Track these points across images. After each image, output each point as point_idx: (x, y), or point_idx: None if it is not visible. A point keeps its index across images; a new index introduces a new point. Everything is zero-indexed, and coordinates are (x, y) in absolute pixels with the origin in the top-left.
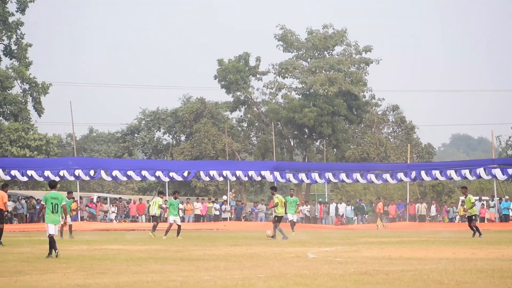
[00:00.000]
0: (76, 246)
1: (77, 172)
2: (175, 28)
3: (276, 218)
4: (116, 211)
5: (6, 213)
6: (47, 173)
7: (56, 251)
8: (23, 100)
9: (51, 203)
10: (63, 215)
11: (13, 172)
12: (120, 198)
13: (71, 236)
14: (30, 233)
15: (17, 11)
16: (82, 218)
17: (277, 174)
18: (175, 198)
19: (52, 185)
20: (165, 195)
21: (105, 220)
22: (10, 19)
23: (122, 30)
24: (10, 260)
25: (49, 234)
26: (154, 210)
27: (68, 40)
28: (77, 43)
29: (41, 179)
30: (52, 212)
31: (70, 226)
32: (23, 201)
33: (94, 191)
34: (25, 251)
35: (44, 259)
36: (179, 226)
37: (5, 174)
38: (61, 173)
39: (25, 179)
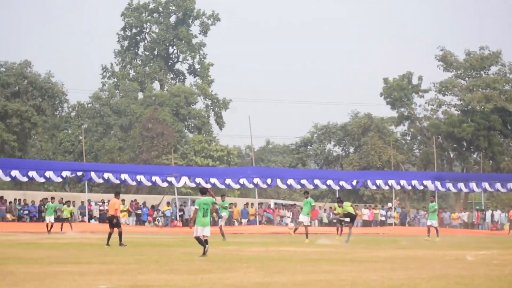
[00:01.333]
0: (255, 248)
1: (255, 180)
2: (342, 51)
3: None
4: (291, 216)
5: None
6: (228, 181)
7: (206, 247)
8: (206, 115)
9: (203, 208)
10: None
11: (198, 180)
12: (294, 204)
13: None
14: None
15: (199, 33)
16: (259, 222)
17: (438, 183)
18: None
19: (203, 191)
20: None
21: (281, 224)
22: (194, 41)
23: (293, 53)
24: (196, 260)
25: (195, 236)
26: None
27: (246, 60)
28: (254, 62)
29: (222, 186)
30: (203, 216)
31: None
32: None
33: (270, 197)
34: (209, 251)
35: (227, 259)
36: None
37: (190, 182)
38: (241, 181)
39: (208, 186)
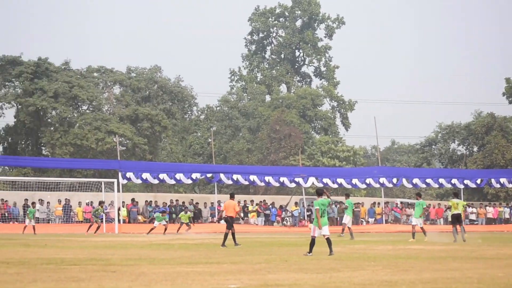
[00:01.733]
0: (382, 246)
1: (381, 180)
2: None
3: None
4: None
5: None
6: (354, 181)
7: (331, 252)
8: (332, 116)
9: (321, 208)
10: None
11: (325, 180)
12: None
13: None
14: (337, 234)
15: (325, 37)
16: (386, 221)
17: None
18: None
19: (320, 192)
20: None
21: (407, 222)
22: (319, 44)
23: (415, 54)
24: (324, 259)
25: (313, 235)
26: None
27: (370, 62)
28: (378, 64)
29: (349, 186)
30: (321, 216)
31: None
32: (333, 206)
33: (396, 197)
34: (337, 250)
35: (354, 258)
36: None
37: (318, 182)
38: (367, 181)
39: (335, 186)
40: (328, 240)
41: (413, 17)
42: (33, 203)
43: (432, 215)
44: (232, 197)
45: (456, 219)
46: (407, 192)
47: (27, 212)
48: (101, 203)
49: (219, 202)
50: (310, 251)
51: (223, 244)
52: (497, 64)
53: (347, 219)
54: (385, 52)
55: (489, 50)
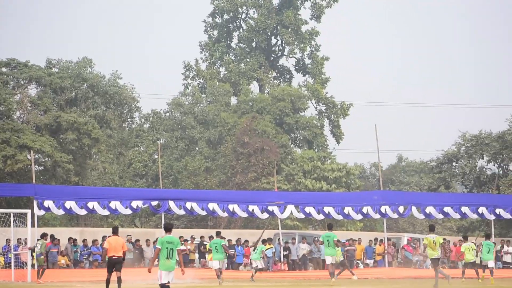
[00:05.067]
0: None
1: (383, 208)
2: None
3: None
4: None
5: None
6: (347, 209)
7: None
8: (318, 124)
9: (166, 247)
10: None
11: (308, 209)
12: (444, 239)
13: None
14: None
15: (311, 19)
16: (390, 263)
17: None
18: None
19: (168, 228)
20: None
21: (422, 266)
22: (303, 28)
23: (426, 42)
24: None
25: (161, 283)
26: None
27: (370, 53)
28: (379, 55)
29: (340, 217)
30: (167, 258)
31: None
32: (320, 245)
33: (404, 231)
34: None
35: None
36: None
37: (298, 212)
38: (364, 209)
39: (321, 217)
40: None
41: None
42: None
43: (453, 256)
44: (115, 231)
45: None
46: (418, 225)
47: None
48: (44, 236)
49: None
50: None
51: None
52: None
53: (329, 259)
54: (390, 40)
55: None
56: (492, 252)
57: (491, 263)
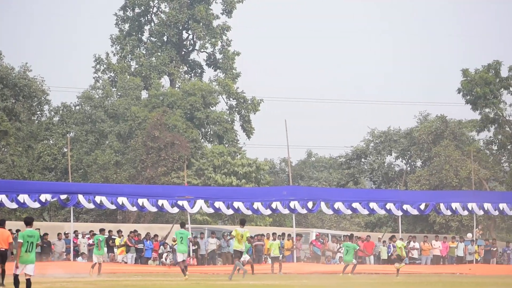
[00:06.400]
0: None
1: (292, 204)
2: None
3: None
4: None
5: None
6: (256, 205)
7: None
8: (229, 119)
9: (27, 241)
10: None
11: (217, 204)
12: (351, 234)
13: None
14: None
15: (222, 13)
16: (298, 259)
17: None
18: None
19: (28, 222)
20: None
21: (330, 262)
22: (215, 23)
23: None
24: None
25: (15, 274)
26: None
27: (282, 48)
28: (292, 51)
29: (249, 212)
30: (26, 251)
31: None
32: (230, 241)
33: (312, 226)
34: None
35: None
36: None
37: (208, 206)
38: (273, 205)
39: (230, 212)
40: (29, 282)
41: None
42: None
43: (359, 252)
44: (2, 224)
45: None
46: (326, 220)
47: None
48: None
49: (76, 232)
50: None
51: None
52: (451, 52)
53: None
54: (301, 36)
55: (442, 36)
56: (351, 253)
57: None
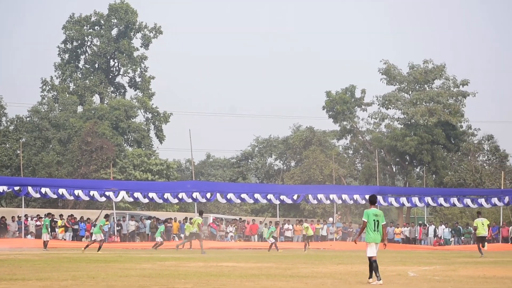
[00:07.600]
0: (194, 263)
1: (195, 194)
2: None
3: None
4: (233, 231)
5: None
6: (166, 195)
7: (377, 275)
8: (146, 128)
9: (373, 220)
10: None
11: (136, 195)
12: (240, 218)
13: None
14: (149, 250)
15: (141, 46)
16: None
17: (380, 198)
18: None
19: (372, 200)
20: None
21: (224, 239)
22: (135, 54)
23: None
24: (133, 276)
25: (369, 256)
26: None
27: (188, 73)
28: (195, 75)
29: (161, 201)
30: (374, 231)
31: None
32: (146, 221)
33: (210, 212)
34: (147, 267)
35: (165, 275)
36: None
37: (129, 196)
38: (180, 195)
39: (146, 201)
40: (374, 263)
41: (232, 26)
42: None
43: (247, 232)
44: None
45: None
46: (221, 207)
47: None
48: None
49: (26, 216)
50: (371, 276)
51: None
52: (318, 76)
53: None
54: (204, 63)
55: (309, 62)
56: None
57: None
